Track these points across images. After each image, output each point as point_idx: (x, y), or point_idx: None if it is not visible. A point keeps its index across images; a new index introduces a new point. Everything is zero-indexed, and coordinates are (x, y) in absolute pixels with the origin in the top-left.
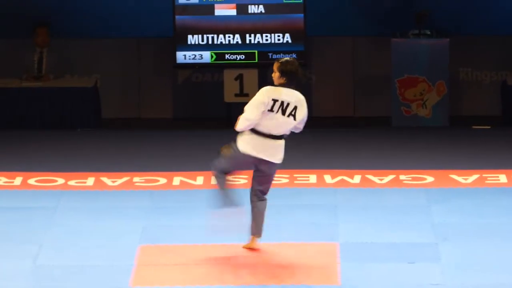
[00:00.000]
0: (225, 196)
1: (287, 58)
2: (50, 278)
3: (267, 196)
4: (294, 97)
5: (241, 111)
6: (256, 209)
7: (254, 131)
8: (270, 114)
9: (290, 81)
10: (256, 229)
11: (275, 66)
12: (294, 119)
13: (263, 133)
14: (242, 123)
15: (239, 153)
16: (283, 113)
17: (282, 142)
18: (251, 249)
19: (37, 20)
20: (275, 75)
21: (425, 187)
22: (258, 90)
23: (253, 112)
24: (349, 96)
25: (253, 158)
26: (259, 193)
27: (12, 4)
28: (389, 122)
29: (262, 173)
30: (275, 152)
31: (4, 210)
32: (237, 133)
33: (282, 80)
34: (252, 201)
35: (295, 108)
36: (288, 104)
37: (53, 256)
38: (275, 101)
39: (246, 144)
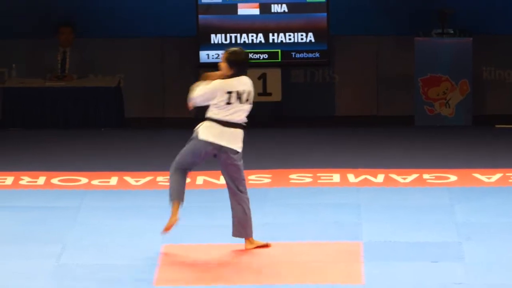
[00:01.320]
0: (178, 189)
1: (234, 48)
2: (73, 277)
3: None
4: (247, 84)
5: (264, 111)
6: (235, 212)
7: (213, 120)
8: (227, 106)
9: (240, 71)
10: (245, 231)
11: (223, 57)
12: (250, 103)
13: (223, 122)
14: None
15: (199, 142)
16: (240, 101)
17: (241, 131)
18: (258, 247)
19: (60, 20)
20: (224, 66)
21: (449, 186)
22: (281, 89)
23: (204, 94)
24: (372, 95)
25: (212, 146)
26: (234, 190)
27: (36, 4)
28: (412, 121)
29: (225, 164)
30: (234, 139)
31: (28, 209)
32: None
33: (231, 71)
34: (231, 204)
35: (249, 93)
36: (243, 92)
37: (76, 255)
38: (230, 93)
39: (207, 133)
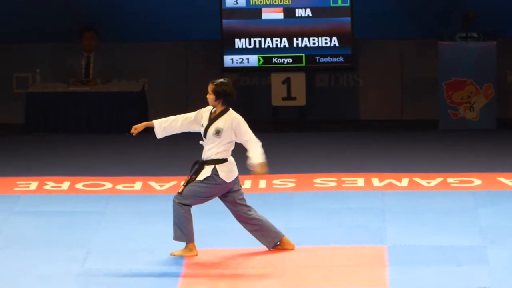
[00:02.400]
0: (183, 228)
1: (221, 79)
2: (98, 282)
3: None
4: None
5: (288, 115)
6: (261, 221)
7: (225, 159)
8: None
9: (226, 102)
10: (277, 233)
11: (211, 88)
12: None
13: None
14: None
15: (223, 185)
16: None
17: None
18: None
19: (84, 24)
20: (210, 97)
21: (473, 190)
22: (305, 94)
23: None
24: (397, 99)
25: (232, 183)
26: (246, 207)
27: (60, 9)
28: (437, 125)
29: (231, 191)
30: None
31: (52, 214)
32: None
33: (215, 102)
34: (253, 218)
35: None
36: None
37: (100, 260)
38: None
39: (230, 172)
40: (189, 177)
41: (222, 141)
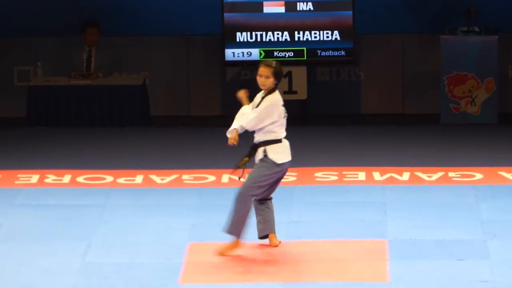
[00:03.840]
0: (240, 224)
1: (270, 60)
2: (99, 275)
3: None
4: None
5: (289, 109)
6: (269, 209)
7: (277, 140)
8: (282, 120)
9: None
10: (273, 226)
11: (270, 71)
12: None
13: (282, 137)
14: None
15: (274, 168)
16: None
17: None
18: (274, 246)
19: (86, 18)
20: (269, 80)
21: (474, 184)
22: (306, 88)
23: (258, 116)
24: (398, 93)
25: (287, 165)
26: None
27: (61, 3)
28: (438, 119)
29: (280, 177)
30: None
31: (53, 207)
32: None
33: (273, 85)
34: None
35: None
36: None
37: (102, 253)
38: (283, 106)
39: (282, 153)
40: (242, 161)
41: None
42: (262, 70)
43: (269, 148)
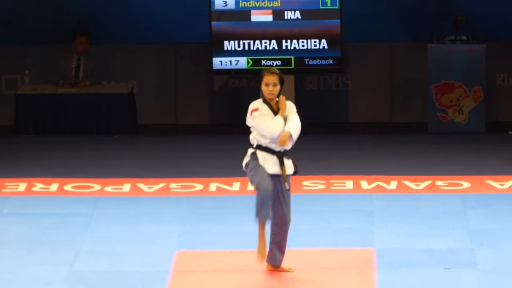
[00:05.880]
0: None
1: (271, 68)
2: (87, 284)
3: None
4: None
5: None
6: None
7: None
8: None
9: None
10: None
11: (277, 78)
12: None
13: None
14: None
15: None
16: None
17: None
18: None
19: (75, 26)
20: (277, 88)
21: (462, 192)
22: (294, 96)
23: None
24: (385, 102)
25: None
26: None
27: (49, 11)
28: (426, 128)
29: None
30: None
31: (41, 216)
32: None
33: (278, 92)
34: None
35: None
36: None
37: (89, 262)
38: None
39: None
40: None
41: None
42: (270, 79)
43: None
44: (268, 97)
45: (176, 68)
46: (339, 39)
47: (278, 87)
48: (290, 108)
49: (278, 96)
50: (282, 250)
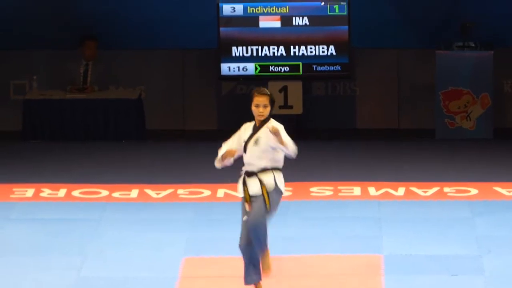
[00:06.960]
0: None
1: (260, 88)
2: None
3: None
4: None
5: (285, 124)
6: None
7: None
8: None
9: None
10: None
11: (267, 99)
12: None
13: None
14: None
15: (279, 197)
16: None
17: None
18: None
19: (83, 32)
20: (268, 110)
21: (469, 199)
22: (302, 102)
23: None
24: (393, 108)
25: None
26: None
27: (57, 16)
28: (433, 135)
29: None
30: None
31: (49, 222)
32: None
33: (269, 113)
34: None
35: None
36: None
37: (97, 267)
38: None
39: (283, 184)
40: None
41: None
42: (260, 100)
43: (277, 176)
44: (258, 118)
45: (184, 74)
46: (347, 45)
47: (269, 108)
48: (282, 131)
49: (268, 119)
50: (257, 267)
